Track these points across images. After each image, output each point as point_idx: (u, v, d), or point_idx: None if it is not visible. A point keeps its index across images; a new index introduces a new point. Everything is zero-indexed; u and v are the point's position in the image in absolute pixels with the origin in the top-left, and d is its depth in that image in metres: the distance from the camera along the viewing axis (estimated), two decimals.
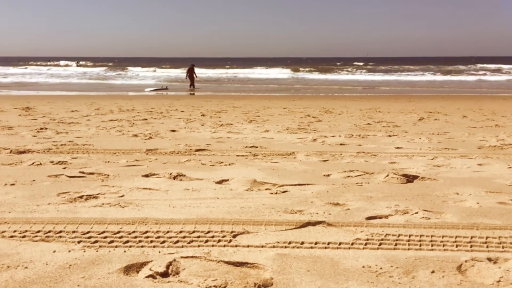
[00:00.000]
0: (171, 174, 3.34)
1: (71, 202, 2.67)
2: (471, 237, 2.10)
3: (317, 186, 3.07)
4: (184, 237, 2.10)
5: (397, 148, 4.71)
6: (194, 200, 2.72)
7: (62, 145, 4.73)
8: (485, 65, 45.80)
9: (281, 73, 37.30)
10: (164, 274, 1.74)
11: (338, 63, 58.95)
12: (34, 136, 5.43)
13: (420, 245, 2.02)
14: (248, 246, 2.00)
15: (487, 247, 2.00)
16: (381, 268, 1.79)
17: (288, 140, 5.27)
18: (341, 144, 4.94)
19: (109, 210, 2.50)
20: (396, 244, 2.03)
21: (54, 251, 1.94)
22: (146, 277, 1.72)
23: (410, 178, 3.27)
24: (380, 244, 2.03)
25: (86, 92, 18.07)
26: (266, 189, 2.98)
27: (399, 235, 2.13)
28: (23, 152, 4.29)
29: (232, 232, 2.16)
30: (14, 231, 2.15)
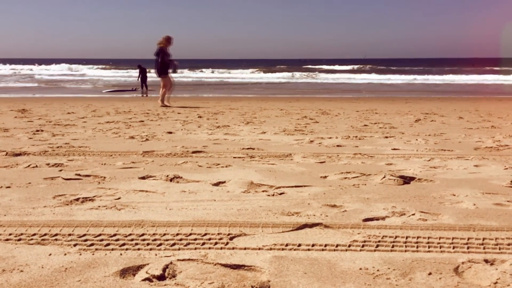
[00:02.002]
0: (167, 176, 3.33)
1: (67, 204, 2.65)
2: (468, 239, 2.10)
3: (314, 188, 3.07)
4: (180, 239, 2.09)
5: (394, 149, 4.72)
6: (191, 202, 2.71)
7: (58, 147, 4.71)
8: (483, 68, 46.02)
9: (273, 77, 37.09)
10: (161, 277, 1.74)
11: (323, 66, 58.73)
12: (30, 138, 5.41)
13: (417, 247, 2.02)
14: (245, 249, 2.00)
15: (484, 248, 2.00)
16: (378, 270, 1.79)
17: (285, 141, 5.27)
18: (338, 146, 4.94)
19: (106, 213, 2.49)
20: (393, 246, 2.03)
21: (50, 254, 1.93)
22: (143, 280, 1.71)
23: (406, 180, 3.27)
24: (377, 246, 2.03)
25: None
26: (263, 191, 2.97)
27: (396, 237, 2.13)
28: (19, 154, 4.27)
29: (229, 234, 2.16)
30: (10, 234, 2.14)
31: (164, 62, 10.84)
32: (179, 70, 11.33)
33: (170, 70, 11.09)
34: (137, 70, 21.54)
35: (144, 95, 18.38)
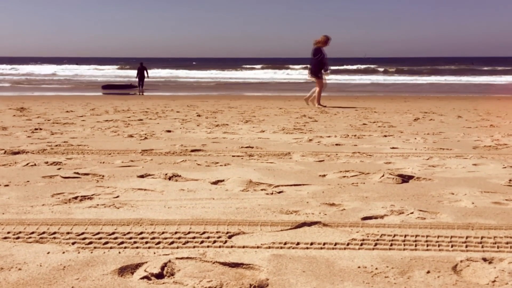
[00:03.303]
0: (166, 174, 3.33)
1: (66, 203, 2.65)
2: (466, 237, 2.11)
3: (313, 187, 3.07)
4: (179, 238, 2.09)
5: (393, 148, 4.72)
6: (190, 200, 2.71)
7: (56, 145, 4.71)
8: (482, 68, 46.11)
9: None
10: (159, 276, 1.73)
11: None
12: (28, 136, 5.40)
13: (416, 245, 2.02)
14: (243, 247, 2.00)
15: (482, 247, 2.00)
16: (376, 269, 1.79)
17: (283, 140, 5.27)
18: (336, 145, 4.94)
19: (104, 211, 2.48)
20: (391, 245, 2.03)
21: (48, 253, 1.92)
22: (141, 278, 1.71)
23: (405, 178, 3.27)
24: (376, 244, 2.03)
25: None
26: (262, 190, 2.97)
27: (394, 235, 2.13)
28: (18, 152, 4.26)
29: (227, 232, 2.16)
30: (8, 232, 2.14)
31: (321, 63, 10.69)
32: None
33: (323, 71, 10.92)
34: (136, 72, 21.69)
35: (140, 93, 18.44)
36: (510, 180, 3.20)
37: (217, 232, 2.16)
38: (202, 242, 2.05)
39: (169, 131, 6.01)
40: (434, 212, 2.51)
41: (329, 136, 5.60)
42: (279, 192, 2.92)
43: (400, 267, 1.81)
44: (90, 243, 2.03)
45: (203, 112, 9.04)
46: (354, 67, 51.26)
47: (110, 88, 20.88)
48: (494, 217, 2.42)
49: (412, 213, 2.47)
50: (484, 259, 1.87)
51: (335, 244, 2.04)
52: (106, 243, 2.03)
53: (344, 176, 3.39)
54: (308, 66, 11.12)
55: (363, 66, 52.55)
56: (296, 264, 1.84)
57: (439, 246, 2.02)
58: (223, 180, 3.21)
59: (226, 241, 2.06)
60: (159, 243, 2.04)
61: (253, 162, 3.93)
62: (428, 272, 1.77)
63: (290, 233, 2.18)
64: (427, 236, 2.12)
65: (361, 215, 2.44)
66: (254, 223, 2.29)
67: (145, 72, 21.54)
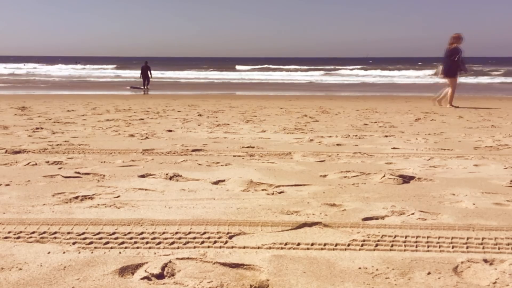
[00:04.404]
0: (167, 174, 3.33)
1: (66, 202, 2.65)
2: (467, 238, 2.10)
3: (314, 187, 3.07)
4: (180, 238, 2.09)
5: (394, 148, 4.72)
6: (190, 200, 2.71)
7: (57, 145, 4.71)
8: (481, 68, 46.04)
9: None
10: (160, 276, 1.74)
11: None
12: (29, 136, 5.40)
13: (416, 246, 2.02)
14: (244, 247, 2.00)
15: (483, 248, 2.00)
16: (377, 270, 1.79)
17: (284, 140, 5.27)
18: (337, 145, 4.94)
19: (105, 211, 2.48)
20: (392, 245, 2.03)
21: (49, 253, 1.92)
22: (141, 278, 1.71)
23: (406, 179, 3.27)
24: (376, 245, 2.03)
25: None
26: (263, 190, 2.97)
27: (395, 236, 2.13)
28: (19, 152, 4.26)
29: (228, 233, 2.16)
30: (9, 232, 2.14)
31: (458, 63, 10.39)
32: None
33: (463, 72, 10.61)
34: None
35: (145, 92, 18.45)
36: (511, 181, 3.20)
37: (217, 232, 2.16)
38: (202, 242, 2.05)
39: (170, 131, 6.02)
40: (435, 213, 2.50)
41: (330, 136, 5.59)
42: (280, 193, 2.91)
43: (401, 268, 1.80)
44: (91, 243, 2.03)
45: (204, 112, 9.04)
46: (359, 66, 51.17)
47: (135, 88, 20.97)
48: (495, 218, 2.42)
49: (413, 213, 2.47)
50: (485, 261, 1.86)
51: (336, 244, 2.04)
52: (107, 243, 2.03)
53: (345, 177, 3.39)
54: (441, 66, 10.81)
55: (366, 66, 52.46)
56: (297, 264, 1.84)
57: (440, 247, 2.01)
58: (224, 180, 3.21)
59: (226, 242, 2.06)
60: (159, 243, 2.04)
61: (254, 162, 3.93)
62: (429, 273, 1.76)
63: (291, 233, 2.18)
64: (428, 237, 2.12)
65: (362, 215, 2.44)
66: (255, 223, 2.29)
67: (148, 72, 21.54)
